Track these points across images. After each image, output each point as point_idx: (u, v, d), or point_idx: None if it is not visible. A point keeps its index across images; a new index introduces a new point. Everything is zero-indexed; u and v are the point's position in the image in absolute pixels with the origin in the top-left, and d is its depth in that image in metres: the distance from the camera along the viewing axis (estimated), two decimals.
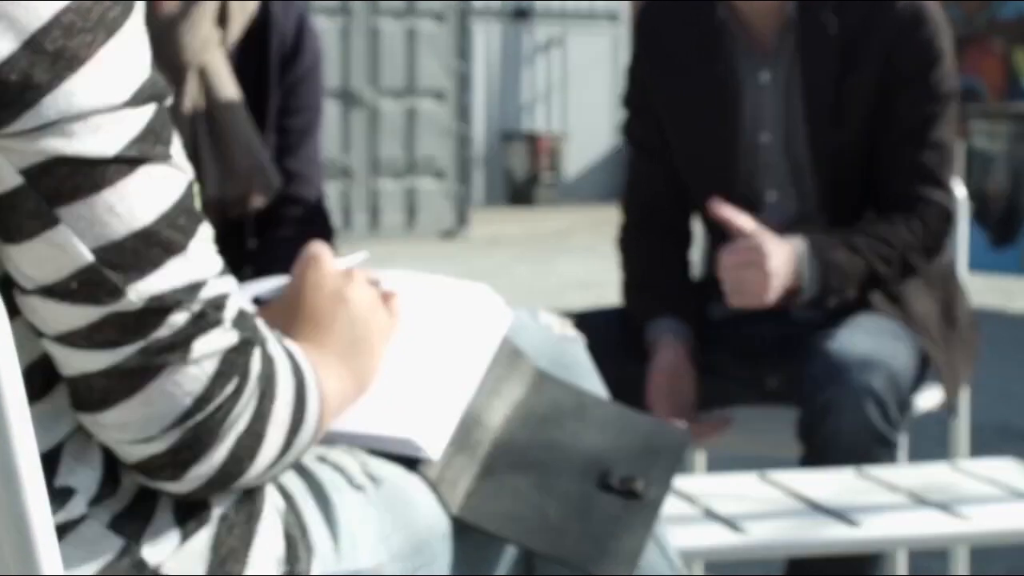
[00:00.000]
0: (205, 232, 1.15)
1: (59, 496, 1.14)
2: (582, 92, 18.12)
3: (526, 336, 1.64)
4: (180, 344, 1.12)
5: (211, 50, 2.38)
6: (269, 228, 2.48)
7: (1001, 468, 2.32)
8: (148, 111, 1.09)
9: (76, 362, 1.12)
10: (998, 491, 2.18)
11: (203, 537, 1.21)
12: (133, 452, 1.15)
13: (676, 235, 2.77)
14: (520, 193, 17.03)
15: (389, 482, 1.38)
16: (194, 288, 1.12)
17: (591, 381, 1.68)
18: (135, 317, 1.10)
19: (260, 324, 1.21)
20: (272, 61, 2.45)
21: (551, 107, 18.26)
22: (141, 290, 1.09)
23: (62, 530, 1.14)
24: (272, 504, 1.28)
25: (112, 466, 1.18)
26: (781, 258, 2.43)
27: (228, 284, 1.16)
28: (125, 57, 1.08)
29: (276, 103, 2.46)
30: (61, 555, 1.09)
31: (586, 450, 1.54)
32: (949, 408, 2.63)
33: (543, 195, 16.99)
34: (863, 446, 2.33)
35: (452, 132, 14.05)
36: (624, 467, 1.52)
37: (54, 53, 1.04)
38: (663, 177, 2.74)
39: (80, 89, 1.05)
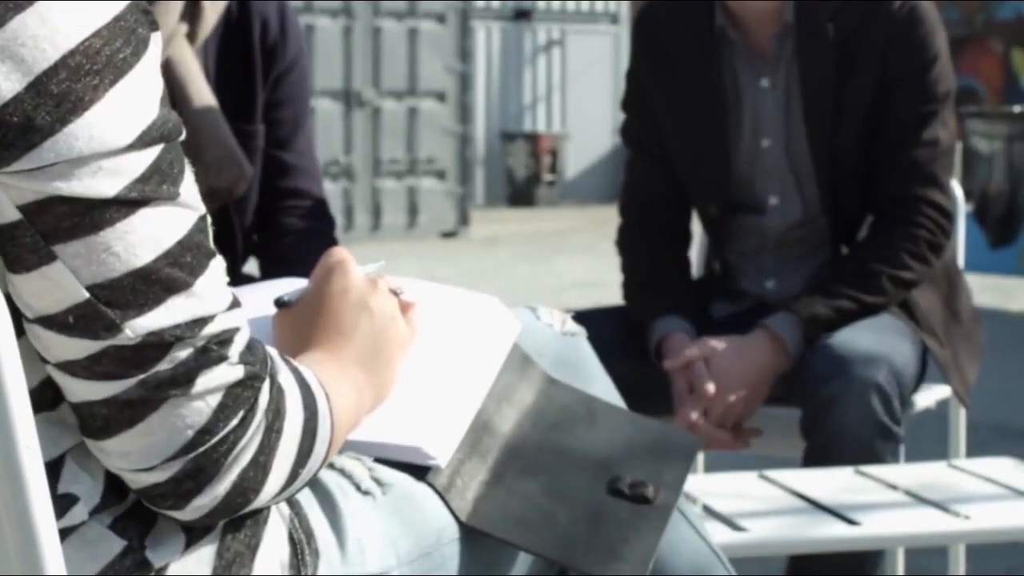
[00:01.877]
0: (216, 267, 1.14)
1: (61, 503, 1.14)
2: (582, 92, 18.12)
3: (529, 334, 1.63)
4: (181, 378, 1.10)
5: (178, 45, 2.37)
6: (270, 221, 2.49)
7: (999, 467, 2.32)
8: (154, 152, 1.08)
9: (78, 390, 1.11)
10: (996, 490, 2.18)
11: (209, 541, 1.21)
12: (136, 480, 1.15)
13: (675, 235, 2.78)
14: (520, 193, 17.03)
15: (397, 487, 1.37)
16: (197, 324, 1.11)
17: (597, 375, 1.68)
18: (133, 351, 1.08)
19: (273, 354, 1.20)
20: (256, 53, 2.45)
21: (551, 107, 18.26)
22: (138, 326, 1.08)
23: (63, 534, 1.13)
24: (277, 509, 1.27)
25: (115, 477, 1.18)
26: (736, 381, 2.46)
27: (237, 319, 1.15)
28: (133, 99, 1.07)
29: (264, 96, 2.46)
30: (63, 556, 1.09)
31: (596, 455, 1.53)
32: (963, 403, 2.64)
33: (543, 195, 16.98)
34: (867, 440, 2.34)
35: (453, 132, 14.05)
36: (634, 472, 1.51)
37: (59, 95, 1.03)
38: (662, 178, 2.74)
39: (82, 134, 1.04)
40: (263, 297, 1.48)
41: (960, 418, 2.73)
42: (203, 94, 2.37)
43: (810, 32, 2.58)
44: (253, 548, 1.23)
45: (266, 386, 1.16)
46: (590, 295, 8.22)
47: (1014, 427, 5.09)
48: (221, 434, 1.13)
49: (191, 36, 2.39)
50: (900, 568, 2.77)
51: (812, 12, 2.58)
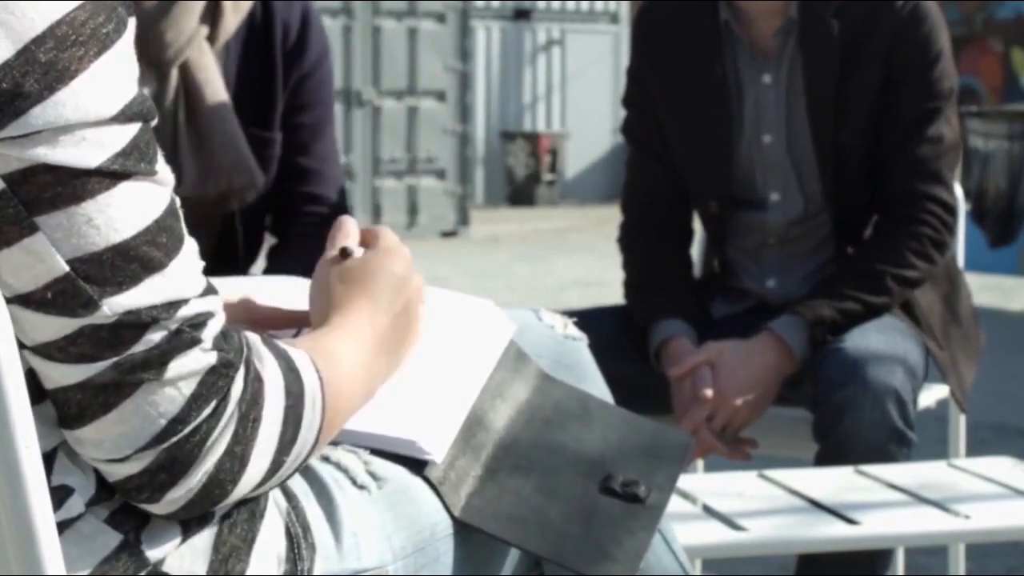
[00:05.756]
0: (189, 251, 1.14)
1: (56, 494, 1.14)
2: (582, 92, 18.12)
3: (530, 336, 1.64)
4: (155, 361, 1.11)
5: (196, 47, 2.36)
6: (287, 226, 2.48)
7: (998, 466, 2.32)
8: (133, 128, 1.10)
9: (54, 374, 1.11)
10: (995, 489, 2.18)
11: (204, 535, 1.21)
12: (111, 472, 1.15)
13: (677, 234, 2.78)
14: (520, 193, 17.03)
15: (392, 481, 1.38)
16: (172, 306, 1.11)
17: (594, 381, 1.68)
18: (109, 331, 1.09)
19: (253, 341, 1.20)
20: (276, 57, 2.44)
21: (551, 107, 18.27)
22: (115, 304, 1.09)
23: (60, 527, 1.13)
24: (274, 503, 1.27)
25: None
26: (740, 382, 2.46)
27: (211, 304, 1.15)
28: (115, 74, 1.08)
29: (283, 100, 2.45)
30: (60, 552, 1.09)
31: (589, 453, 1.53)
32: (960, 407, 2.64)
33: (543, 195, 16.99)
34: (881, 444, 2.34)
35: (453, 132, 14.05)
36: (627, 471, 1.51)
37: (46, 64, 1.04)
38: (663, 176, 2.74)
39: (69, 102, 1.05)
40: (269, 290, 1.48)
41: (960, 418, 2.73)
42: (219, 98, 2.36)
43: (814, 29, 2.58)
44: (249, 542, 1.24)
45: (240, 375, 1.16)
46: (590, 295, 8.22)
47: (1013, 426, 5.09)
48: (194, 423, 1.13)
49: (211, 39, 2.38)
50: (900, 567, 2.77)
51: (816, 9, 2.58)
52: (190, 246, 1.15)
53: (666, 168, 2.74)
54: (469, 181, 14.48)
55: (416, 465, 1.40)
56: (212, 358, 1.14)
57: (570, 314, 1.75)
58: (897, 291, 2.53)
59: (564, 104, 17.99)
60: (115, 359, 1.10)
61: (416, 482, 1.40)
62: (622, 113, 2.86)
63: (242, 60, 2.42)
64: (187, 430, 1.13)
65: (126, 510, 1.18)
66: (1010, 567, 3.45)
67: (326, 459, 1.37)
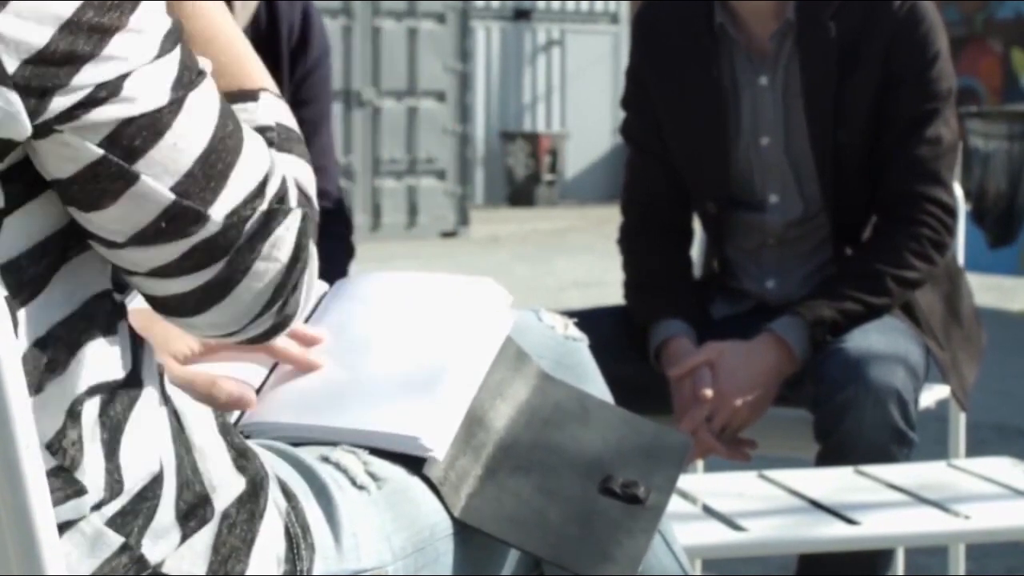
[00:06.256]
0: (247, 127, 1.22)
1: (70, 488, 1.14)
2: (582, 92, 18.11)
3: (530, 337, 1.64)
4: (258, 244, 1.19)
5: None
6: None
7: (998, 467, 2.32)
8: (177, 52, 1.16)
9: (171, 287, 1.19)
10: (996, 489, 2.18)
11: (204, 536, 1.21)
12: (227, 340, 1.26)
13: (677, 234, 2.78)
14: (520, 193, 17.02)
15: (392, 482, 1.38)
16: (260, 189, 1.19)
17: (595, 382, 1.68)
18: (220, 236, 1.17)
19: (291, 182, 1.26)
20: (283, 56, 2.45)
21: (551, 107, 18.26)
22: (218, 210, 1.16)
23: (63, 527, 1.13)
24: (274, 503, 1.28)
25: (113, 468, 1.18)
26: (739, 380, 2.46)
27: (279, 166, 1.23)
28: (150, 16, 1.14)
29: (288, 97, 2.46)
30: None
31: (589, 454, 1.53)
32: (961, 406, 2.64)
33: (543, 195, 16.98)
34: (882, 444, 2.34)
35: (453, 132, 14.05)
36: (626, 472, 1.52)
37: (91, 28, 1.10)
38: (662, 177, 2.74)
39: (120, 54, 1.11)
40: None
41: (960, 418, 2.73)
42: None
43: (812, 30, 2.58)
44: (249, 543, 1.24)
45: (308, 218, 1.24)
46: (590, 295, 8.22)
47: (1014, 427, 5.09)
48: (294, 280, 1.23)
49: None
50: (900, 568, 2.77)
51: (814, 10, 2.58)
52: (246, 122, 1.23)
53: (666, 169, 2.74)
54: (469, 181, 14.48)
55: (415, 464, 1.40)
56: (297, 218, 1.22)
57: (570, 315, 1.75)
58: (897, 292, 2.53)
59: (564, 104, 17.99)
60: (228, 258, 1.18)
61: (415, 482, 1.40)
62: (622, 113, 2.87)
63: None
64: (290, 286, 1.23)
65: (127, 512, 1.18)
66: (1010, 567, 3.45)
67: (325, 459, 1.37)
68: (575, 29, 18.12)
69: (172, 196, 1.15)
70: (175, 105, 1.15)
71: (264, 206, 1.20)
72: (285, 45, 2.45)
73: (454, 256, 11.53)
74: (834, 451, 2.36)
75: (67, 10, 1.09)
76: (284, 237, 1.21)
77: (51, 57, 1.09)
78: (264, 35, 2.44)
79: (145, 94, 1.13)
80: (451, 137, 13.97)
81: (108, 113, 1.12)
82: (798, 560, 2.44)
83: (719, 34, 2.65)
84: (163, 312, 1.23)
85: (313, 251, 1.27)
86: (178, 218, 1.15)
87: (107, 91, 1.11)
